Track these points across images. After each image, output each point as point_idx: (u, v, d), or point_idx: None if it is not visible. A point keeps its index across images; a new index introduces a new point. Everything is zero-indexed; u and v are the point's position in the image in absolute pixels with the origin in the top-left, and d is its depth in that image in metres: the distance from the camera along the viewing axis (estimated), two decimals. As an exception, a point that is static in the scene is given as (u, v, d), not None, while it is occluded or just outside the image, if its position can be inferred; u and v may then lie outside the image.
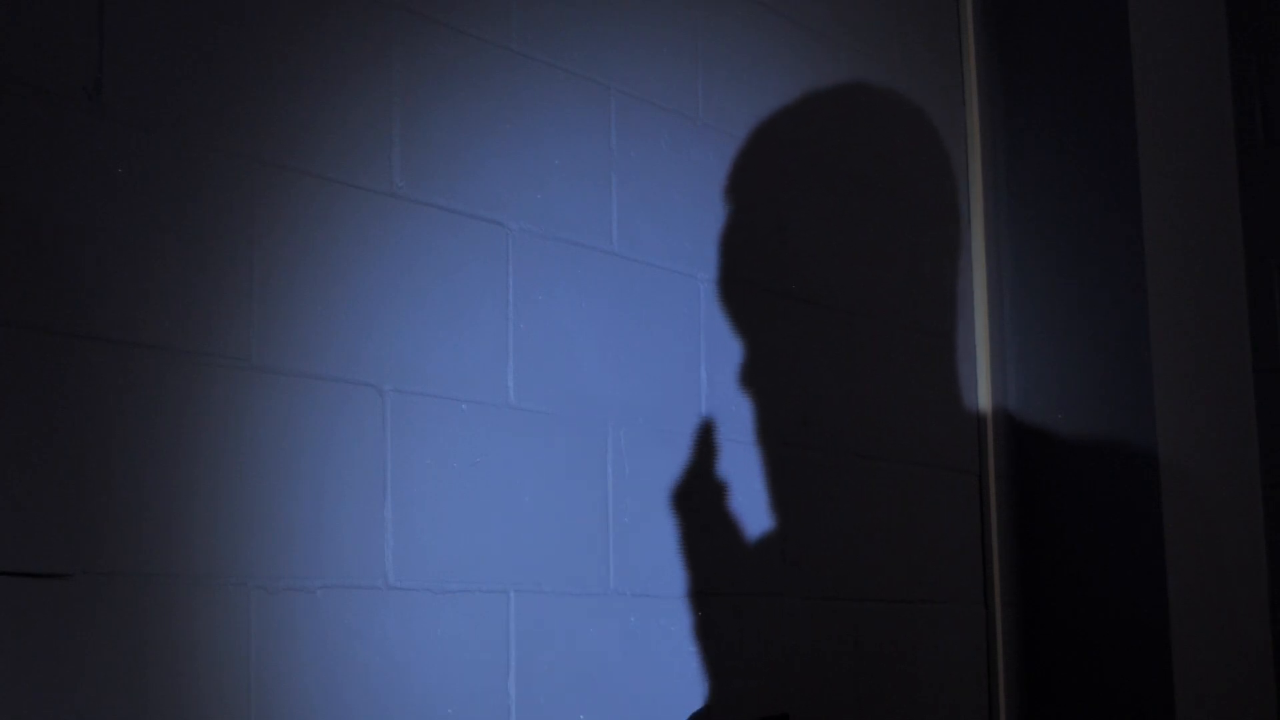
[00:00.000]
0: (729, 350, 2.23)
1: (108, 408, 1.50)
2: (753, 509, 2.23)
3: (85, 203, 1.50)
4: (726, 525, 2.19)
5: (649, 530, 2.06)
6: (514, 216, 1.93)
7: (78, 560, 1.46)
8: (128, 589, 1.49)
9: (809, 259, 2.40)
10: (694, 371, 2.17)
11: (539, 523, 1.91)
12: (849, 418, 2.43)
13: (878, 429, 2.48)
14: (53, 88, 1.49)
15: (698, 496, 2.15)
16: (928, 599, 2.55)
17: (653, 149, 2.15)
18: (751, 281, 2.28)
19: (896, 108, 2.64)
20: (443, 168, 1.85)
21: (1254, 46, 2.80)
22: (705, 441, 2.17)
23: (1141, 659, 2.52)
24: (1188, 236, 2.69)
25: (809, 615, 2.31)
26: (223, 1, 1.65)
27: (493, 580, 1.85)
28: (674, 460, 2.12)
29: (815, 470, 2.35)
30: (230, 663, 1.57)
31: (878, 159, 2.57)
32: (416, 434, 1.78)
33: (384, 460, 1.74)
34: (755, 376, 2.26)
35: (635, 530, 2.04)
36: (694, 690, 2.10)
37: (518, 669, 1.86)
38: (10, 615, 1.41)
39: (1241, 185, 2.79)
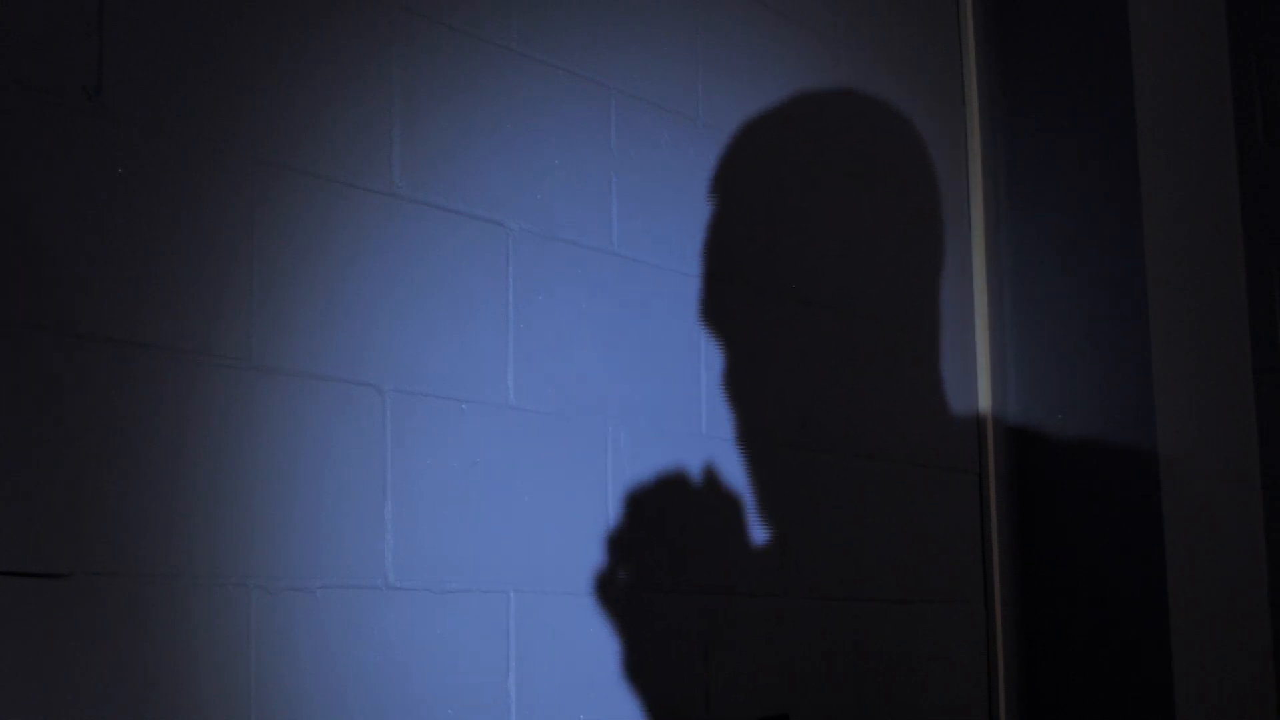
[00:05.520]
0: (729, 350, 2.23)
1: (108, 408, 1.50)
2: (752, 509, 2.23)
3: (85, 203, 1.50)
4: (726, 525, 2.19)
5: (648, 530, 2.06)
6: (514, 216, 1.93)
7: (77, 560, 1.46)
8: (127, 589, 1.49)
9: (808, 259, 2.40)
10: (694, 371, 2.17)
11: (539, 523, 1.91)
12: (848, 418, 2.43)
13: (877, 429, 2.48)
14: (53, 88, 1.49)
15: (697, 497, 2.15)
16: (928, 599, 2.55)
17: (653, 149, 2.15)
18: (751, 282, 2.28)
19: (896, 108, 2.64)
20: (443, 168, 1.85)
21: (1254, 46, 2.80)
22: (705, 441, 2.17)
23: (1141, 659, 2.52)
24: (1188, 236, 2.69)
25: (809, 615, 2.31)
26: (223, 2, 1.65)
27: (493, 580, 1.85)
28: (674, 460, 2.12)
29: (815, 470, 2.35)
30: (230, 663, 1.57)
31: (878, 159, 2.57)
32: (416, 434, 1.78)
33: (384, 460, 1.74)
34: (755, 377, 2.26)
35: (634, 530, 2.04)
36: (693, 690, 2.10)
37: (518, 669, 1.86)
38: (9, 615, 1.41)
39: (1241, 185, 2.79)
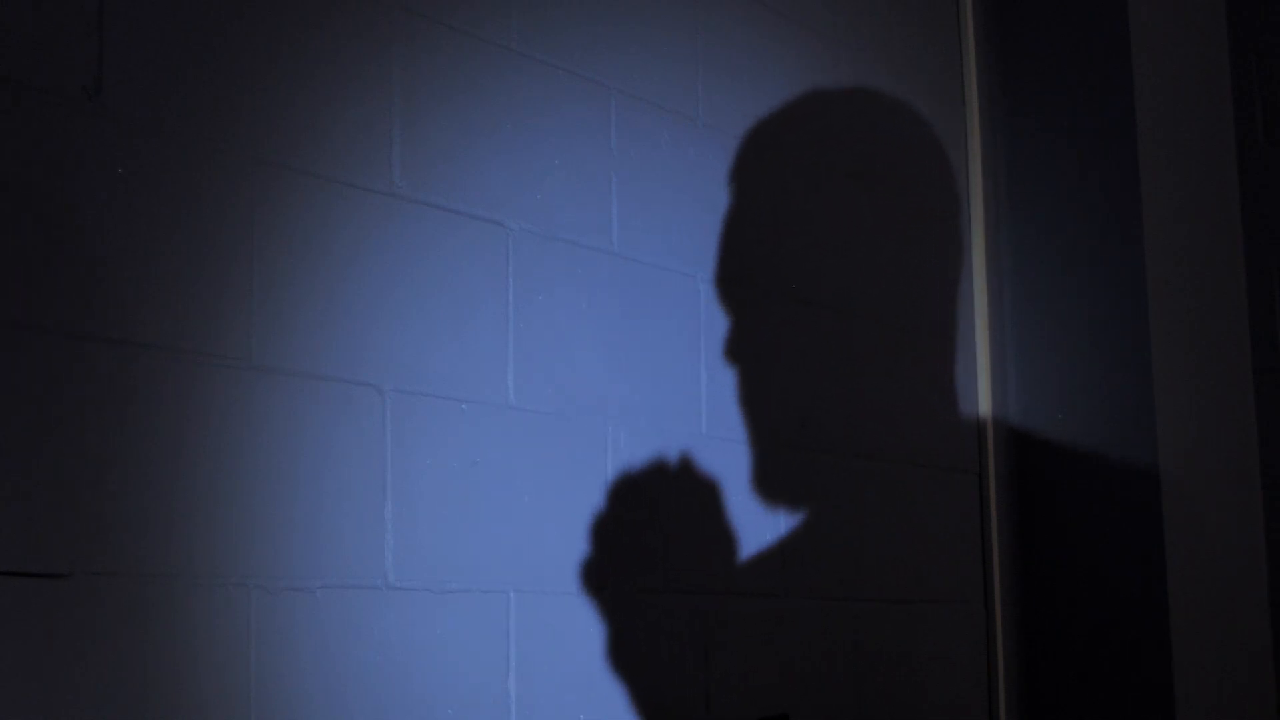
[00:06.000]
0: (729, 350, 2.23)
1: (108, 408, 1.50)
2: (752, 509, 2.23)
3: (85, 203, 1.50)
4: (726, 525, 2.19)
5: (648, 531, 2.06)
6: (514, 216, 1.93)
7: (77, 560, 1.46)
8: (127, 589, 1.49)
9: (809, 259, 2.40)
10: (694, 371, 2.17)
11: (539, 523, 1.91)
12: (849, 418, 2.43)
13: (878, 429, 2.48)
14: (53, 88, 1.49)
15: (697, 497, 2.15)
16: (928, 599, 2.55)
17: (653, 149, 2.15)
18: (751, 281, 2.28)
19: (896, 107, 2.64)
20: (443, 168, 1.85)
21: (1254, 46, 2.80)
22: (705, 442, 2.17)
23: (1141, 659, 2.52)
24: (1188, 236, 2.69)
25: (809, 615, 2.31)
26: (222, 2, 1.65)
27: (493, 580, 1.85)
28: (674, 460, 2.12)
29: (815, 470, 2.35)
30: (230, 663, 1.57)
31: (878, 159, 2.57)
32: (416, 434, 1.78)
33: (384, 460, 1.74)
34: (755, 377, 2.26)
35: (634, 530, 2.04)
36: (693, 690, 2.10)
37: (518, 669, 1.86)
38: (9, 615, 1.41)
39: (1241, 185, 2.78)
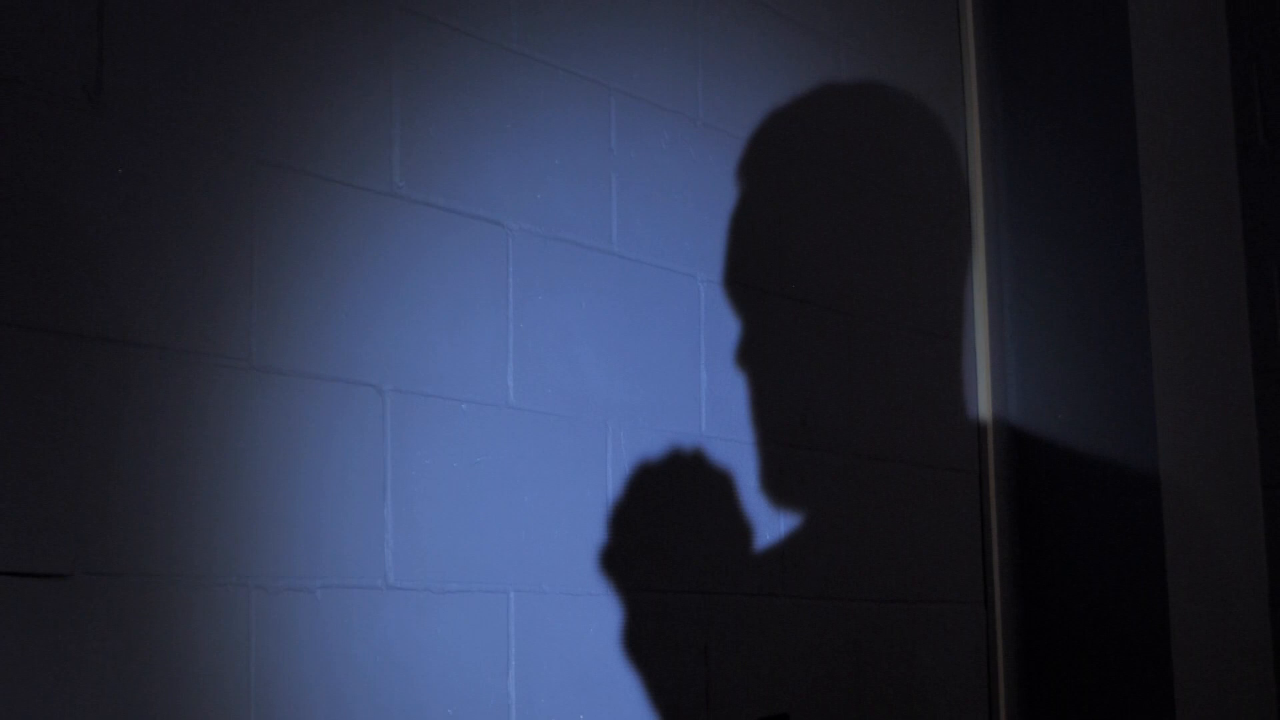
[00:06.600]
0: (729, 350, 2.23)
1: (108, 408, 1.50)
2: (752, 509, 2.23)
3: (85, 203, 1.50)
4: (726, 525, 2.19)
5: (648, 530, 2.06)
6: (514, 216, 1.93)
7: (77, 560, 1.46)
8: (127, 589, 1.50)
9: (809, 259, 2.40)
10: (694, 371, 2.17)
11: (539, 523, 1.91)
12: (849, 418, 2.43)
13: (878, 429, 2.48)
14: (53, 88, 1.49)
15: (697, 497, 2.15)
16: (928, 599, 2.55)
17: (653, 149, 2.15)
18: (751, 282, 2.28)
19: (897, 108, 2.64)
20: (443, 168, 1.85)
21: (1254, 47, 2.80)
22: (705, 441, 2.17)
23: (1141, 659, 2.52)
24: (1188, 237, 2.68)
25: (809, 615, 2.31)
26: (222, 2, 1.65)
27: (493, 580, 1.85)
28: (674, 460, 2.12)
29: (815, 470, 2.35)
30: (230, 663, 1.57)
31: (878, 159, 2.57)
32: (416, 434, 1.78)
33: (384, 460, 1.74)
34: (755, 377, 2.26)
35: (634, 530, 2.04)
36: (693, 690, 2.10)
37: (518, 669, 1.86)
38: (10, 615, 1.41)
39: (1241, 186, 2.78)
